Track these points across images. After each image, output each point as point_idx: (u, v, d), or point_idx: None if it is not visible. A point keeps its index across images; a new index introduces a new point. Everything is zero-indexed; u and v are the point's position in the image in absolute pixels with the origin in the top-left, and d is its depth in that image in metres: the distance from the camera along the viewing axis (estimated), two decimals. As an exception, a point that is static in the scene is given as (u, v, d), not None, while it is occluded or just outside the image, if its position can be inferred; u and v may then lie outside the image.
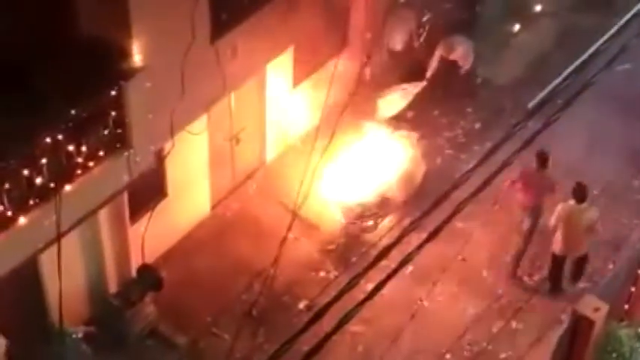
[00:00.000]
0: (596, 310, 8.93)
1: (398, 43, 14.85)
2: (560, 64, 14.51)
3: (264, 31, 11.46)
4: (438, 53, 14.63)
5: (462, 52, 14.50)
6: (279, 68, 12.95)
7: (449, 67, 14.61)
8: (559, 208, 11.41)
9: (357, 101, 12.65)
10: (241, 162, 13.27)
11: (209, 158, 12.45)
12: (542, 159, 11.57)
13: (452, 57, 14.57)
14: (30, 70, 8.64)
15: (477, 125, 14.48)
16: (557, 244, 11.64)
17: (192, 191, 12.45)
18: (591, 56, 14.87)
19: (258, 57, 11.84)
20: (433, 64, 14.66)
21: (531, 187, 11.75)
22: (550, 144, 13.14)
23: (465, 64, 14.61)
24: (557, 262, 11.87)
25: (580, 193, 11.19)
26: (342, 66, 12.19)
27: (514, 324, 11.77)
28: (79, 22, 9.23)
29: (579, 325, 9.15)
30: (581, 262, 11.88)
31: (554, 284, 12.08)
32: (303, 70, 13.48)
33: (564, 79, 14.60)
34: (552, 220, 11.44)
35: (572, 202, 11.36)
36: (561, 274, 11.99)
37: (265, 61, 12.26)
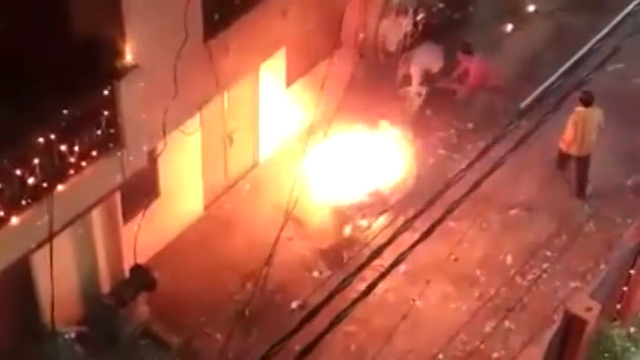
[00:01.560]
0: (589, 309, 8.97)
1: (391, 43, 14.86)
2: (553, 63, 14.54)
3: (258, 31, 11.44)
4: (400, 72, 14.72)
5: (418, 68, 14.55)
6: (273, 68, 12.94)
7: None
8: (573, 115, 12.90)
9: (349, 101, 12.71)
10: (234, 162, 13.25)
11: (202, 158, 12.42)
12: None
13: (411, 72, 14.66)
14: (22, 69, 8.61)
15: (470, 125, 14.50)
16: (574, 147, 13.12)
17: (185, 191, 12.43)
18: (584, 56, 14.92)
19: (251, 56, 11.82)
20: (398, 78, 14.78)
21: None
22: (542, 142, 13.28)
23: (434, 69, 14.66)
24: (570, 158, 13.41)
25: (588, 99, 12.85)
26: (335, 66, 12.21)
27: (507, 323, 11.78)
28: (71, 21, 9.20)
29: (572, 325, 9.18)
30: (587, 162, 13.32)
31: (582, 186, 13.45)
32: (297, 70, 13.47)
33: (557, 79, 14.63)
34: (569, 127, 12.96)
35: (581, 108, 12.89)
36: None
37: (258, 60, 12.25)
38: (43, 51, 8.80)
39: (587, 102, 12.94)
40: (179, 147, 11.47)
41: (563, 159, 13.58)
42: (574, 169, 13.51)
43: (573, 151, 13.25)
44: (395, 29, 14.75)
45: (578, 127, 13.00)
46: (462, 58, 14.58)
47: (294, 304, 11.81)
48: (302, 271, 12.33)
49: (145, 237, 11.26)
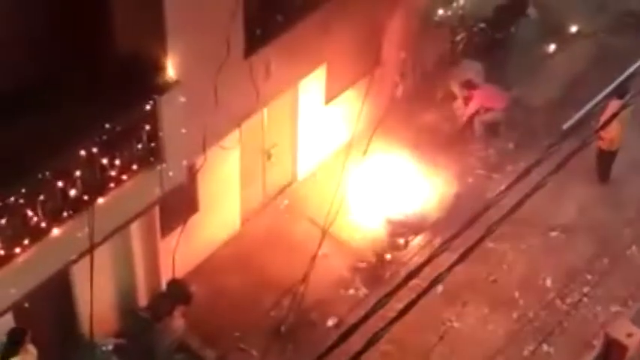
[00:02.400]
0: (630, 335, 8.82)
1: (431, 62, 14.84)
2: (596, 85, 14.39)
3: (298, 48, 11.49)
4: (441, 90, 14.66)
5: (459, 85, 14.53)
6: (312, 84, 12.98)
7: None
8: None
9: (389, 119, 12.70)
10: (272, 178, 13.29)
11: (240, 173, 12.48)
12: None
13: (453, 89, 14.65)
14: (66, 83, 8.74)
15: (510, 145, 14.39)
16: (614, 142, 13.24)
17: (223, 206, 12.48)
18: (628, 78, 14.77)
19: (291, 73, 11.88)
20: (438, 96, 14.76)
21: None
22: (584, 163, 13.12)
23: (478, 80, 14.65)
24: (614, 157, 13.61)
25: (623, 92, 12.84)
26: (376, 84, 12.22)
27: (545, 347, 11.62)
28: (114, 37, 9.33)
29: (612, 350, 9.03)
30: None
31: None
32: (337, 87, 13.50)
33: (600, 101, 14.49)
34: (614, 124, 12.57)
35: (617, 101, 12.60)
36: None
37: (298, 77, 12.30)
38: (87, 66, 8.93)
39: (622, 95, 13.02)
40: (218, 162, 11.54)
41: (608, 162, 13.45)
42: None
43: (615, 146, 13.29)
44: (434, 48, 14.73)
45: (617, 124, 12.91)
46: (468, 93, 14.45)
47: (330, 322, 11.77)
48: (338, 288, 12.29)
49: (182, 251, 11.33)
